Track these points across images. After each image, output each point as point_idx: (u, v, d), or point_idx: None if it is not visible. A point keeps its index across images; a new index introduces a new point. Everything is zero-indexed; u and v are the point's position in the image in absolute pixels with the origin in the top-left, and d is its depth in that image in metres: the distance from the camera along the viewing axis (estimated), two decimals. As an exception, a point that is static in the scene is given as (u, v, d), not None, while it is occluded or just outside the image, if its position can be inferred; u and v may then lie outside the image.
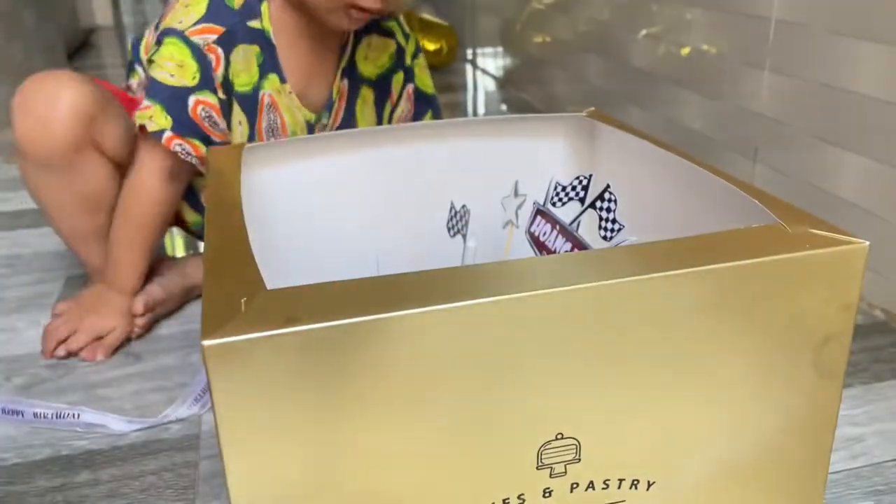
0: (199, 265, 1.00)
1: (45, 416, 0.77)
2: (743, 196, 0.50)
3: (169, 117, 0.81)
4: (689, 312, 0.41)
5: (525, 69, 2.19)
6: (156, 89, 0.81)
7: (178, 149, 0.82)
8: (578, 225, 0.71)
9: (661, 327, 0.40)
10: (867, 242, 0.43)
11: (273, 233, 0.66)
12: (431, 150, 0.73)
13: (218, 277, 0.40)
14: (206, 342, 0.35)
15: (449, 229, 0.77)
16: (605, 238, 0.69)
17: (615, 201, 0.68)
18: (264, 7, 0.86)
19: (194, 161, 0.84)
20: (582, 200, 0.71)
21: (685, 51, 1.33)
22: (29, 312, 1.01)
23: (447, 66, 2.55)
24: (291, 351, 0.35)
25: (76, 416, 0.77)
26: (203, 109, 0.83)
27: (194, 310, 0.99)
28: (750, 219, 0.48)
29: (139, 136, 0.85)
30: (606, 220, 0.69)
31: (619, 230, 0.68)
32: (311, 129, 0.95)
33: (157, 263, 0.97)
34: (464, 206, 0.75)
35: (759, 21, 1.11)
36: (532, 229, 0.74)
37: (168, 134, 0.81)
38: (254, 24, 0.84)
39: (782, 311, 0.43)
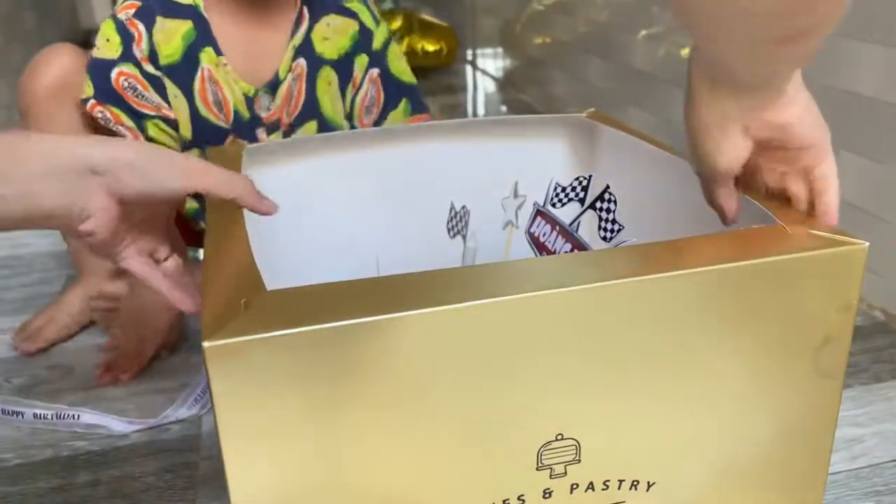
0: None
1: (44, 417, 0.77)
2: (742, 197, 0.50)
3: (92, 86, 0.87)
4: (687, 313, 0.41)
5: (525, 70, 2.19)
6: (88, 63, 0.88)
7: (98, 115, 0.87)
8: (578, 225, 0.71)
9: (660, 328, 0.40)
10: (867, 243, 0.43)
11: (273, 233, 0.66)
12: (432, 150, 0.73)
13: (218, 278, 0.40)
14: (207, 343, 0.35)
15: (449, 230, 0.77)
16: (604, 239, 0.69)
17: (615, 202, 0.69)
18: None
19: (115, 128, 0.87)
20: (582, 201, 0.71)
21: (685, 52, 1.33)
22: (29, 313, 1.01)
23: (447, 67, 2.55)
24: (291, 352, 0.35)
25: (76, 416, 0.77)
26: (125, 80, 0.87)
27: (194, 311, 0.99)
28: (749, 220, 0.48)
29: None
30: (606, 220, 0.69)
31: (619, 231, 0.68)
32: (249, 101, 0.94)
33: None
34: (464, 207, 0.75)
35: (759, 22, 1.11)
36: (532, 230, 0.74)
37: (91, 101, 0.86)
38: (185, 0, 0.89)
39: (782, 311, 0.43)
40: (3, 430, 0.77)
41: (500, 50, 2.40)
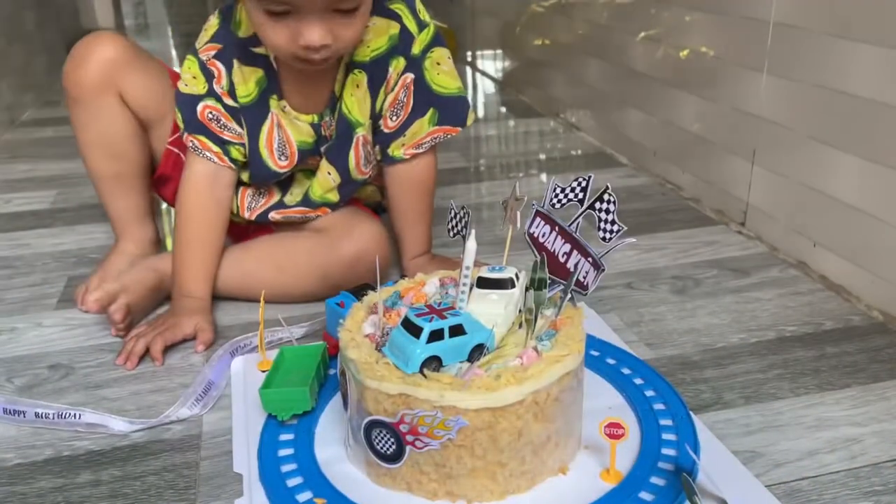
0: (167, 257, 1.00)
1: (46, 417, 0.77)
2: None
3: (182, 119, 0.96)
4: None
5: (524, 71, 2.19)
6: (176, 97, 0.97)
7: (190, 144, 0.96)
8: (578, 226, 0.71)
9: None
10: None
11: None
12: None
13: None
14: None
15: (449, 230, 0.77)
16: (604, 239, 0.69)
17: (615, 202, 0.69)
18: None
19: (205, 155, 0.96)
20: (581, 202, 0.72)
21: (684, 53, 1.33)
22: (30, 313, 1.01)
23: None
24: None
25: (77, 416, 0.77)
26: (209, 112, 0.95)
27: (195, 311, 0.99)
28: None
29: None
30: (605, 221, 0.69)
31: (619, 231, 0.68)
32: (316, 128, 0.98)
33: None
34: (463, 208, 0.76)
35: (758, 24, 1.12)
36: (531, 230, 0.75)
37: (185, 134, 0.96)
38: (258, 50, 0.94)
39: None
40: (3, 430, 0.78)
41: (499, 51, 2.40)
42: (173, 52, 3.26)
